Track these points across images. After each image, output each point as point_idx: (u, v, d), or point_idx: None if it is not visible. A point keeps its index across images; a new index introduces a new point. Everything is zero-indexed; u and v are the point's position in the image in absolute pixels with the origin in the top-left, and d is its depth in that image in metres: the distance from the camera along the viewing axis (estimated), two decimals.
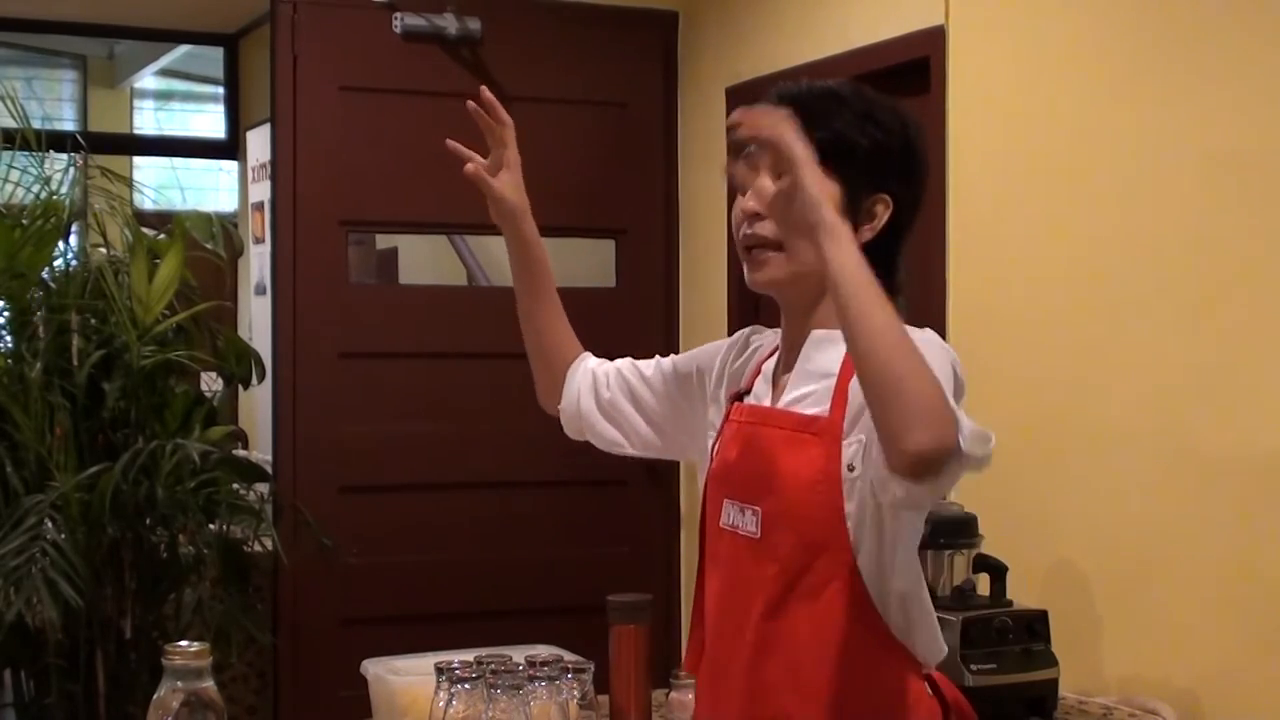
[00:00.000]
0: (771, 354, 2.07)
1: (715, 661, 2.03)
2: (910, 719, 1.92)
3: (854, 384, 1.80)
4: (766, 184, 1.91)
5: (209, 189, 7.31)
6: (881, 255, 1.91)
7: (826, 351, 1.93)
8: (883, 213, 1.94)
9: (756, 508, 1.94)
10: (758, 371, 2.07)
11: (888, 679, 1.89)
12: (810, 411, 1.91)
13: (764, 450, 1.95)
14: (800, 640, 1.89)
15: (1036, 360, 3.39)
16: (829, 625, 1.87)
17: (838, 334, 1.82)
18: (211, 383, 4.39)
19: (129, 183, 4.49)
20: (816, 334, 1.95)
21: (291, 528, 4.32)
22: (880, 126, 1.94)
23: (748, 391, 2.06)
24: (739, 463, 2.00)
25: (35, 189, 3.99)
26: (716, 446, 2.07)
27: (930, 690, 1.95)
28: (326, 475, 4.49)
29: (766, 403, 2.01)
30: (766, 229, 1.93)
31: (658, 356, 2.27)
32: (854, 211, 1.91)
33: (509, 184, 2.30)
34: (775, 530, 1.91)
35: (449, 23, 4.59)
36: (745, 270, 2.00)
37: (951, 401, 1.73)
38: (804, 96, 1.95)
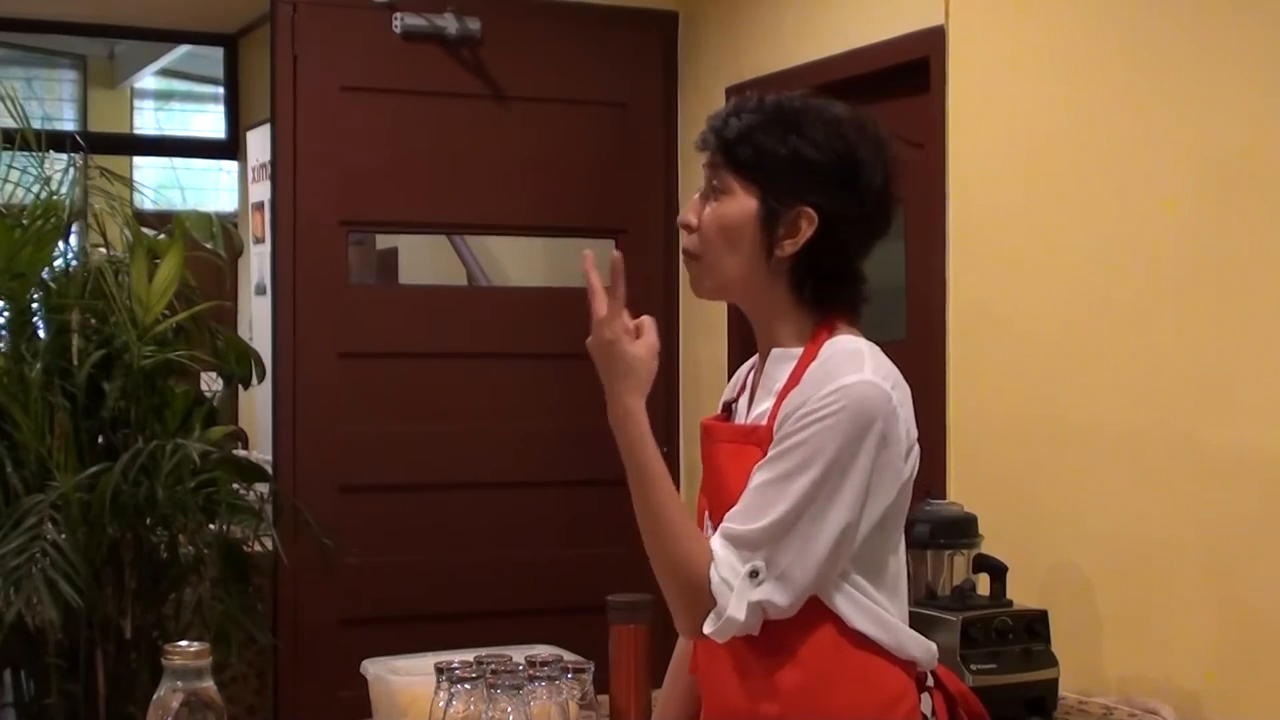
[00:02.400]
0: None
1: (706, 666, 2.05)
2: (894, 713, 1.94)
3: (790, 395, 1.89)
4: (698, 197, 1.99)
5: (209, 189, 7.31)
6: (816, 270, 1.95)
7: (780, 367, 1.97)
8: (806, 227, 1.93)
9: (715, 518, 1.98)
10: (744, 384, 2.11)
11: (858, 673, 1.91)
12: (757, 423, 1.96)
13: (719, 462, 2.01)
14: (763, 645, 1.91)
15: (1036, 360, 3.39)
16: (788, 629, 1.89)
17: (793, 351, 1.95)
18: (211, 383, 4.38)
19: (129, 183, 4.49)
20: (775, 352, 1.99)
21: (291, 528, 4.31)
22: (805, 138, 1.93)
23: (735, 402, 2.10)
24: (707, 475, 2.06)
25: (35, 189, 3.98)
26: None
27: (932, 683, 1.98)
28: (326, 475, 4.49)
29: (741, 415, 2.05)
30: (691, 242, 1.99)
31: None
32: (772, 224, 1.93)
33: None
34: None
35: (449, 23, 4.59)
36: None
37: (707, 580, 1.87)
38: (740, 110, 1.99)
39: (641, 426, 1.90)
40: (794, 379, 1.91)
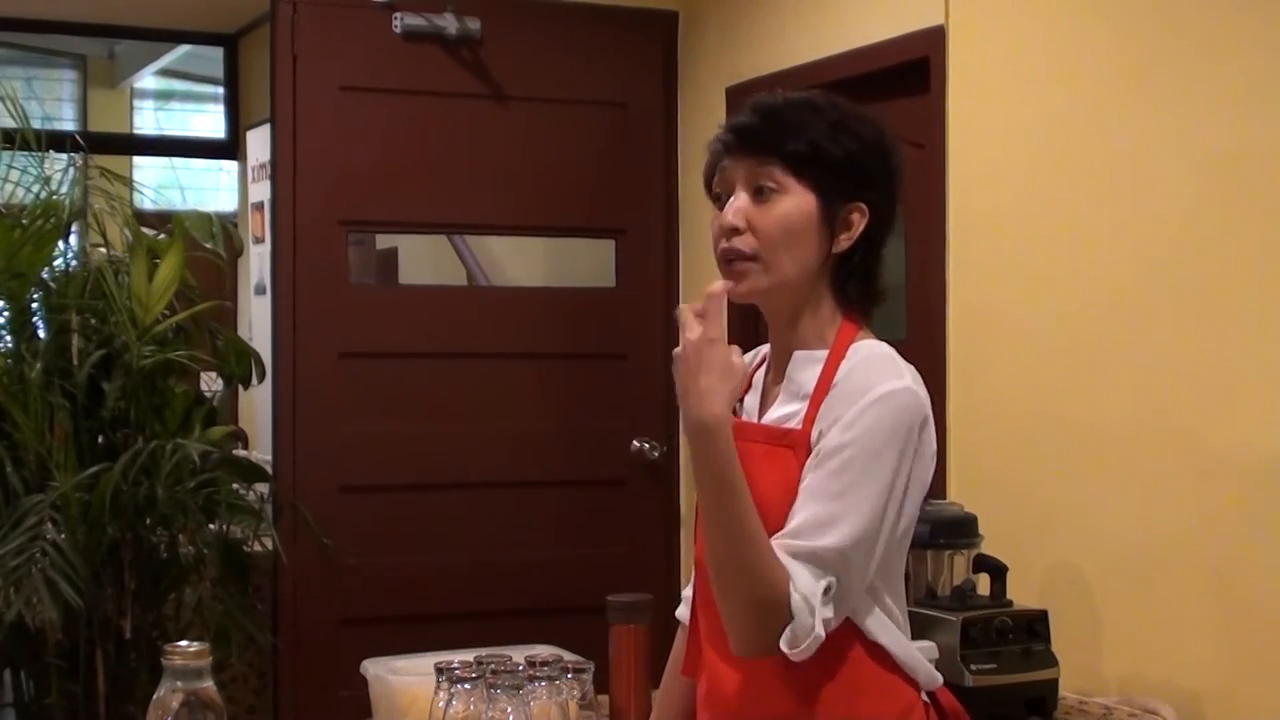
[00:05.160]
0: (763, 363, 2.10)
1: (710, 668, 2.04)
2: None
3: (826, 401, 1.89)
4: (743, 199, 1.94)
5: (209, 189, 7.31)
6: (860, 264, 1.97)
7: (806, 370, 1.96)
8: (859, 221, 1.95)
9: None
10: (750, 382, 2.10)
11: (869, 682, 1.91)
12: (787, 425, 1.95)
13: (746, 464, 1.96)
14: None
15: (1036, 360, 3.39)
16: None
17: (818, 353, 1.95)
18: (211, 383, 4.38)
19: (129, 183, 4.49)
20: (798, 355, 1.98)
21: (291, 528, 4.31)
22: (854, 136, 1.95)
23: (740, 401, 2.08)
24: None
25: (35, 189, 3.99)
26: None
27: (926, 700, 1.98)
28: (326, 475, 4.49)
29: (754, 416, 2.04)
30: (745, 243, 1.94)
31: None
32: (830, 220, 1.94)
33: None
34: None
35: (449, 23, 4.59)
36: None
37: (787, 599, 1.82)
38: (779, 108, 1.96)
39: (730, 438, 1.84)
40: (824, 382, 1.91)
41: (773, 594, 1.82)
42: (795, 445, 1.91)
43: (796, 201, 1.92)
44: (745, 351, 2.05)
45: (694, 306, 1.85)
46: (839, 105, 1.98)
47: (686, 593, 2.19)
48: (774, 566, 1.82)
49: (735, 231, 1.94)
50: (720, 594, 1.88)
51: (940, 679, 2.00)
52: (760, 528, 1.84)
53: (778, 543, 1.85)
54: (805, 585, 1.82)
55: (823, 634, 1.83)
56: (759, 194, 1.93)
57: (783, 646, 1.82)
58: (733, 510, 1.83)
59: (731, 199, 1.95)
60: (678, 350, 1.85)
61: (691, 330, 1.84)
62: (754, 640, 1.85)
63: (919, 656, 1.97)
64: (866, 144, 1.95)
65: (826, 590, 1.83)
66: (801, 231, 1.93)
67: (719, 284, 1.88)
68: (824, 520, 1.83)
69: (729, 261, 1.95)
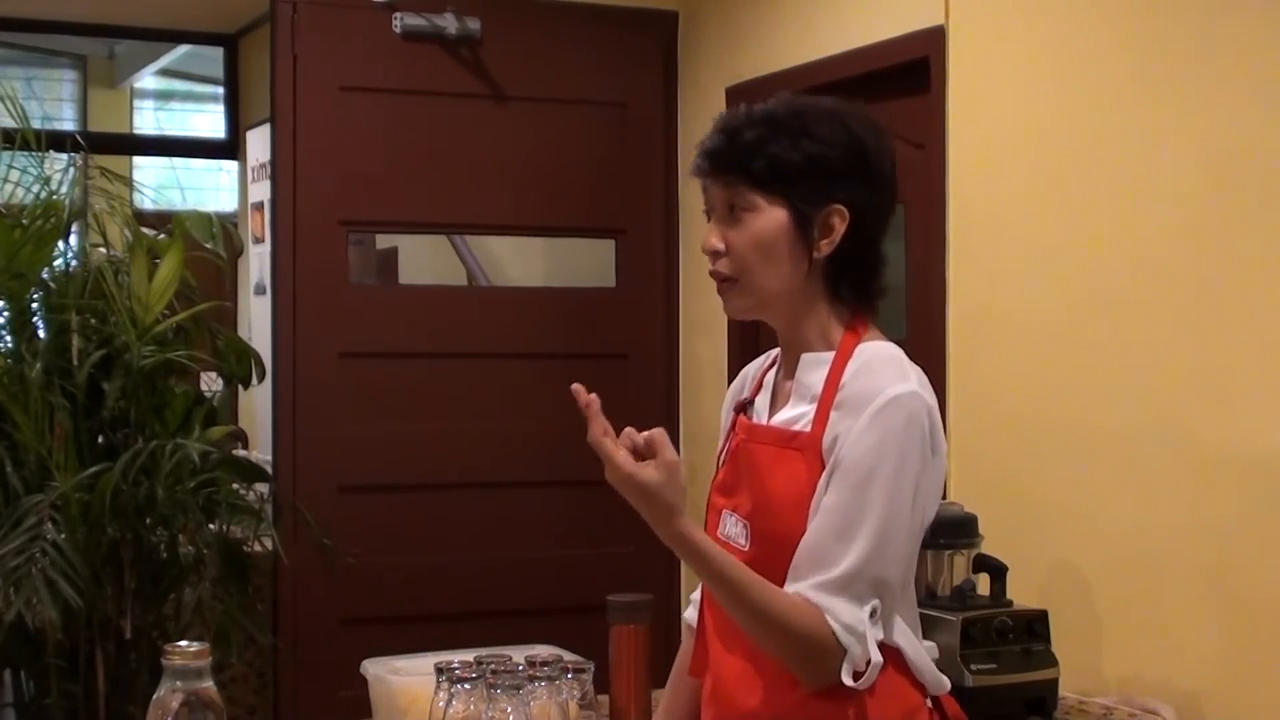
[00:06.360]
0: (773, 365, 2.11)
1: (715, 668, 2.05)
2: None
3: (835, 405, 1.90)
4: (720, 221, 1.97)
5: (209, 189, 7.32)
6: (851, 264, 1.97)
7: (813, 373, 1.97)
8: (839, 224, 1.95)
9: (746, 520, 1.98)
10: (760, 383, 2.11)
11: (880, 683, 1.90)
12: (796, 427, 1.95)
13: (755, 465, 1.99)
14: None
15: (1036, 360, 3.39)
16: None
17: (824, 355, 1.96)
18: (211, 383, 4.39)
19: (129, 183, 4.49)
20: (805, 358, 1.99)
21: (291, 528, 4.31)
22: (817, 141, 1.94)
23: (750, 402, 2.10)
24: (735, 476, 2.04)
25: (35, 189, 3.98)
26: (721, 458, 2.12)
27: (931, 705, 1.98)
28: (326, 475, 4.49)
29: (764, 417, 2.05)
30: (724, 266, 1.98)
31: None
32: (806, 229, 1.94)
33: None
34: (761, 542, 1.95)
35: (449, 23, 4.60)
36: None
37: (832, 635, 1.83)
38: (740, 126, 1.97)
39: (697, 546, 1.86)
40: (831, 384, 1.92)
41: (815, 636, 1.83)
42: (804, 448, 1.92)
43: (767, 218, 1.94)
44: (737, 328, 2.06)
45: (628, 438, 1.85)
46: (802, 111, 1.97)
47: (695, 595, 2.19)
48: (804, 618, 1.83)
49: (717, 254, 1.97)
50: (762, 648, 1.90)
51: (948, 685, 2.00)
52: (774, 594, 1.85)
53: (812, 583, 1.85)
54: (849, 616, 1.83)
55: (880, 659, 1.84)
56: (732, 213, 1.96)
57: (846, 681, 1.84)
58: (741, 597, 1.86)
59: (713, 221, 1.99)
60: (627, 475, 1.84)
61: (658, 461, 1.83)
62: (815, 675, 1.86)
63: (929, 661, 1.97)
64: (831, 146, 1.94)
65: (872, 614, 1.84)
66: (775, 246, 1.94)
67: (576, 386, 1.86)
68: (850, 544, 1.84)
69: (718, 284, 2.00)
